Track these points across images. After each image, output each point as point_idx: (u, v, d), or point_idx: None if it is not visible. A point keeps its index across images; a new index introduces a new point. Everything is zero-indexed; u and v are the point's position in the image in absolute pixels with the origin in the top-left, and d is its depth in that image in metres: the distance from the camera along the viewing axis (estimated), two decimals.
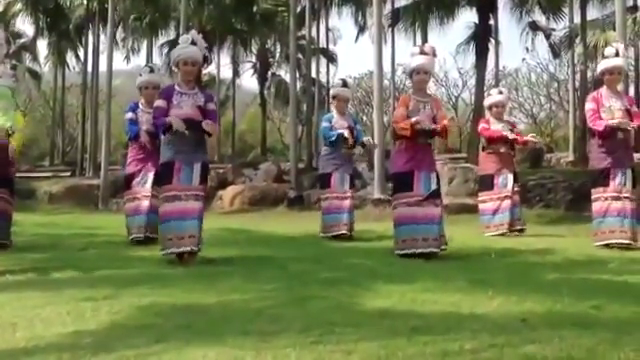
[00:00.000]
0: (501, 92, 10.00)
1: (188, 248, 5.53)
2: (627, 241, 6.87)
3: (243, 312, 3.45)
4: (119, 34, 28.54)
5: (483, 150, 9.43)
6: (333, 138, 8.47)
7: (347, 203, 8.38)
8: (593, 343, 2.72)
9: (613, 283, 4.51)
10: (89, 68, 28.62)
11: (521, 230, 8.85)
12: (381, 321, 3.18)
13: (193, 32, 6.11)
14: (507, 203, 8.92)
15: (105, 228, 9.65)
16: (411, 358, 2.52)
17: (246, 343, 2.73)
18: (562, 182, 12.80)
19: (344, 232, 8.21)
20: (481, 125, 9.52)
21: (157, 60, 29.01)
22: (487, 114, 9.60)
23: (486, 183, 9.24)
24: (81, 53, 30.46)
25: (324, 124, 8.73)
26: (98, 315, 3.37)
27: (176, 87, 5.87)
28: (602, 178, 7.10)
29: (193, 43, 5.87)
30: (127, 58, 30.01)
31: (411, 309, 3.48)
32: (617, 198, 6.97)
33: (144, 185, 7.53)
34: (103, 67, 22.79)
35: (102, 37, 27.46)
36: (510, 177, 9.03)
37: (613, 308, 3.49)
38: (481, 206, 9.24)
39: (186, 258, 5.56)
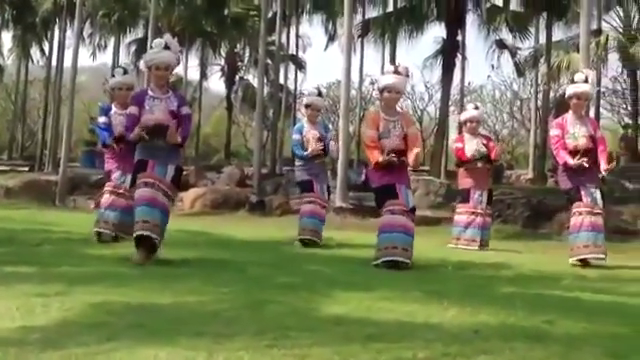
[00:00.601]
0: (477, 107, 10.11)
1: (152, 235, 5.46)
2: (602, 255, 6.96)
3: (198, 314, 3.42)
4: (86, 30, 28.17)
5: (461, 166, 9.54)
6: (302, 156, 8.47)
7: (325, 212, 8.51)
8: (543, 356, 2.76)
9: (565, 299, 4.58)
10: (54, 63, 28.20)
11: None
12: (336, 327, 3.18)
13: (167, 36, 6.03)
14: (480, 220, 9.05)
15: (62, 225, 9.47)
16: None
17: (199, 344, 2.71)
18: (521, 198, 13.00)
19: (316, 239, 8.25)
20: (455, 145, 9.63)
21: (124, 58, 28.75)
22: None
23: (463, 196, 9.39)
24: (46, 47, 30.06)
25: (295, 136, 8.67)
26: (48, 311, 3.31)
27: (149, 91, 5.85)
28: (574, 194, 7.18)
29: (167, 47, 5.81)
30: (93, 55, 29.69)
31: (367, 317, 3.49)
32: (591, 213, 7.06)
33: (123, 183, 7.43)
34: (68, 62, 22.47)
35: (69, 32, 27.10)
36: (485, 195, 9.18)
37: (564, 323, 3.54)
38: (456, 217, 9.38)
39: (142, 251, 5.49)
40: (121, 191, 7.43)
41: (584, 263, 6.95)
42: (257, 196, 16.58)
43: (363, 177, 15.35)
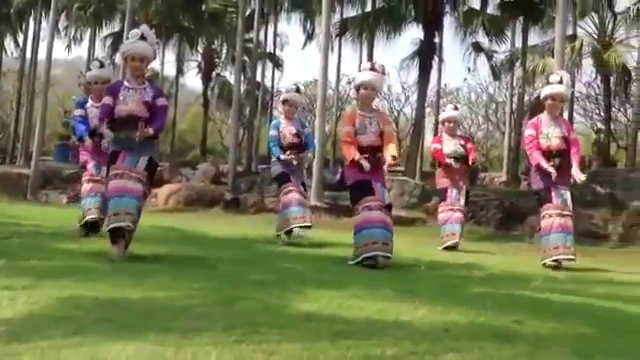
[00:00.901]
0: (456, 108, 10.20)
1: (122, 224, 5.39)
2: (572, 256, 7.00)
3: (168, 309, 3.39)
4: (61, 22, 27.85)
5: (439, 166, 9.62)
6: (278, 157, 8.46)
7: (304, 199, 8.53)
8: (511, 355, 2.77)
9: (535, 300, 4.61)
10: (28, 55, 27.89)
11: (454, 247, 9.02)
12: (306, 324, 3.17)
13: (144, 27, 5.97)
14: (458, 215, 9.15)
15: (32, 218, 9.36)
16: None
17: (167, 339, 2.68)
18: (494, 200, 13.11)
19: (309, 224, 8.27)
20: (434, 146, 9.73)
21: (99, 52, 28.46)
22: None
23: (441, 196, 9.57)
24: (21, 39, 29.69)
25: (272, 132, 8.65)
26: (15, 304, 3.26)
27: (125, 82, 5.80)
28: (545, 195, 7.23)
29: (143, 38, 5.76)
30: (68, 47, 29.34)
31: (337, 314, 3.49)
32: (560, 215, 7.11)
33: (100, 172, 7.38)
34: (43, 55, 22.21)
35: (44, 24, 26.79)
36: (463, 192, 9.28)
37: (533, 323, 3.56)
38: (439, 217, 9.53)
39: (117, 246, 5.43)
40: (98, 178, 7.39)
41: (557, 264, 7.00)
42: (232, 193, 16.54)
43: (339, 175, 15.39)
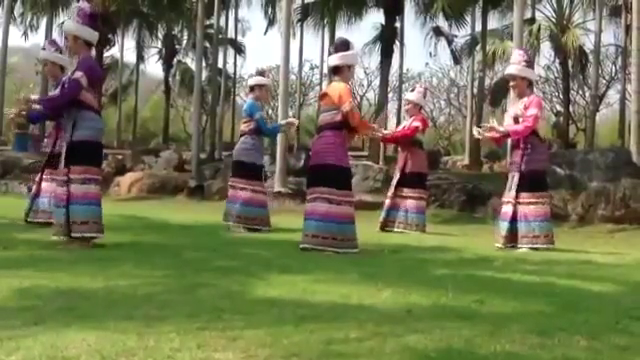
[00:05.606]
0: (413, 89, 10.11)
1: (61, 236, 5.43)
2: (499, 245, 7.02)
3: (130, 297, 3.37)
4: (17, 9, 27.20)
5: None
6: (277, 131, 8.55)
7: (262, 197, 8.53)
8: (472, 334, 2.82)
9: (496, 280, 4.67)
10: None
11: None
12: (270, 309, 3.18)
13: (78, 4, 5.85)
14: (388, 202, 9.26)
15: None
16: (296, 345, 2.52)
17: (129, 327, 2.67)
18: (456, 184, 13.23)
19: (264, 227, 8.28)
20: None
21: (57, 39, 27.84)
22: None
23: None
24: None
25: (261, 112, 8.53)
26: None
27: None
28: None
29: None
30: (25, 35, 28.64)
31: (301, 298, 3.50)
32: (503, 202, 7.24)
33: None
34: None
35: None
36: (396, 178, 9.34)
37: (494, 303, 3.62)
38: None
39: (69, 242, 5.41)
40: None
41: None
42: (196, 181, 16.42)
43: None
